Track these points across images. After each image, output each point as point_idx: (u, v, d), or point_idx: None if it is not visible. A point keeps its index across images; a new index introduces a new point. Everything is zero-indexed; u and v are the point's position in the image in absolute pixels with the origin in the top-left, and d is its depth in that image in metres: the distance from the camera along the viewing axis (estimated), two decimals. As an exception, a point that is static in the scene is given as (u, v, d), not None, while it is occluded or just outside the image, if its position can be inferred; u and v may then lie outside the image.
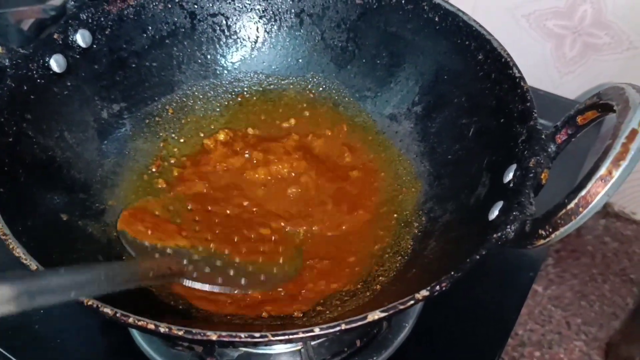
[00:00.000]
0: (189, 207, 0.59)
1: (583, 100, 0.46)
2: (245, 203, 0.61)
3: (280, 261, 0.55)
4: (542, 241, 0.40)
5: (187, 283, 0.49)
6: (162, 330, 0.37)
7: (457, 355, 0.61)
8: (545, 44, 0.87)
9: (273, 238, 0.58)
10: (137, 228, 0.53)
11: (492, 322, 0.63)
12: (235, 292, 0.51)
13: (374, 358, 0.58)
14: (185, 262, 0.51)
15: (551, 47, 0.87)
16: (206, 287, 0.49)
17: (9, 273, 0.30)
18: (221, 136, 0.67)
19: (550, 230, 0.39)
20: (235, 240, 0.56)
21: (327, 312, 0.50)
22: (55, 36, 0.58)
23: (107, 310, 0.38)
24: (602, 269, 0.94)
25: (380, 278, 0.54)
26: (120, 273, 0.40)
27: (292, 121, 0.70)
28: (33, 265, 0.41)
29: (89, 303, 0.38)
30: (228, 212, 0.60)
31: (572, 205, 0.38)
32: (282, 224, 0.59)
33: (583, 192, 0.37)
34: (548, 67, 0.90)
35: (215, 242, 0.55)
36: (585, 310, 0.89)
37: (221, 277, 0.51)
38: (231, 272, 0.52)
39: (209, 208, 0.60)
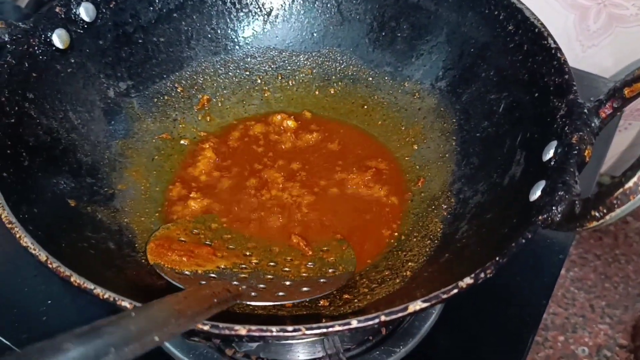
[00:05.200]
0: (212, 227, 0.55)
1: (619, 78, 0.43)
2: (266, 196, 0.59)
3: (332, 259, 0.52)
4: (594, 223, 0.37)
5: (250, 303, 0.45)
6: (186, 325, 0.34)
7: (488, 341, 0.58)
8: (568, 15, 0.84)
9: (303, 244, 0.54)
10: (170, 258, 0.49)
11: (523, 306, 0.60)
12: (300, 300, 0.47)
13: (401, 347, 0.55)
14: (236, 282, 0.47)
15: (574, 19, 0.84)
16: (270, 304, 0.46)
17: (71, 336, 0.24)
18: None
19: (605, 211, 0.36)
20: (276, 250, 0.53)
21: (356, 300, 0.47)
22: (57, 9, 0.54)
23: (126, 304, 0.35)
24: (625, 250, 0.91)
25: (410, 264, 0.51)
26: (192, 304, 0.34)
27: (307, 99, 0.67)
28: (42, 255, 0.38)
29: (106, 296, 0.35)
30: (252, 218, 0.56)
31: (630, 184, 0.35)
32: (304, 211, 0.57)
33: (644, 169, 0.34)
34: (570, 40, 0.86)
35: (254, 256, 0.52)
36: (609, 292, 0.86)
37: (279, 290, 0.47)
38: (287, 283, 0.48)
39: (234, 225, 0.56)
